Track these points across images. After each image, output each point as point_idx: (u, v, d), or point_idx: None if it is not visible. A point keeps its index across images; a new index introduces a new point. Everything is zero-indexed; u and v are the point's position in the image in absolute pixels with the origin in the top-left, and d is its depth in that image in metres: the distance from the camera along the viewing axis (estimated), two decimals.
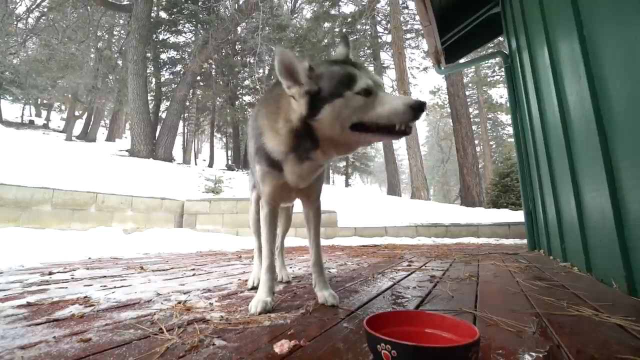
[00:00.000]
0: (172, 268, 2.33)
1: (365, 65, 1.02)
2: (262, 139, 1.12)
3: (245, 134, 21.63)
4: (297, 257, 3.19)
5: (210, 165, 19.05)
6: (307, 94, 0.98)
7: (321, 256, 1.34)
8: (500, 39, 5.86)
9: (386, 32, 20.41)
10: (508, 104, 4.76)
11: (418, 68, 20.77)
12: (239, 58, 19.34)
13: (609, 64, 1.40)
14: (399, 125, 0.93)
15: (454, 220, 6.61)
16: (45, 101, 23.82)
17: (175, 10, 17.61)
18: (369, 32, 20.38)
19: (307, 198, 1.32)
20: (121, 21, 20.63)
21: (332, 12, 20.03)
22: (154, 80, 18.88)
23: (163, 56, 19.46)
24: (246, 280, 1.70)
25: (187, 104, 18.62)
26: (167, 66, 19.61)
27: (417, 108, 0.91)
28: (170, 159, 15.01)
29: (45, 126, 22.04)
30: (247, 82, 19.41)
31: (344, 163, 25.51)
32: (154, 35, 17.57)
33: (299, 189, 1.22)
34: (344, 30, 19.56)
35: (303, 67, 0.98)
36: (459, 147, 14.11)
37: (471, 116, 17.63)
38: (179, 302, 1.24)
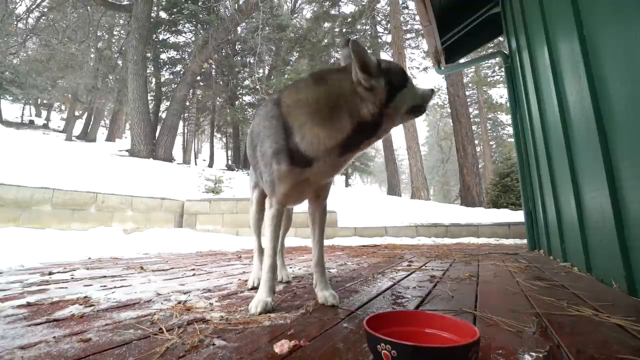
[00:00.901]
0: (172, 268, 2.33)
1: None
2: (292, 138, 1.09)
3: (246, 134, 21.66)
4: (297, 257, 3.19)
5: (210, 165, 19.05)
6: (387, 85, 1.07)
7: (323, 256, 1.34)
8: (500, 39, 5.86)
9: (386, 32, 20.40)
10: (508, 104, 4.77)
11: (418, 68, 20.76)
12: (239, 58, 19.36)
13: (609, 64, 1.40)
14: (425, 104, 1.18)
15: (454, 220, 6.61)
16: (45, 101, 23.82)
17: (175, 10, 17.60)
18: (369, 32, 20.36)
19: (317, 197, 1.31)
20: (121, 21, 20.64)
21: (332, 12, 20.01)
22: (154, 80, 18.87)
23: (163, 56, 19.45)
24: (246, 280, 1.70)
25: (187, 104, 18.62)
26: (167, 66, 19.60)
27: (433, 92, 1.21)
28: (170, 159, 15.01)
29: (45, 126, 22.04)
30: (247, 82, 19.41)
31: None
32: (154, 35, 17.56)
33: (312, 188, 1.22)
34: (344, 30, 19.56)
35: (374, 62, 1.07)
36: (459, 147, 14.11)
37: (471, 116, 17.64)
38: (179, 302, 1.24)
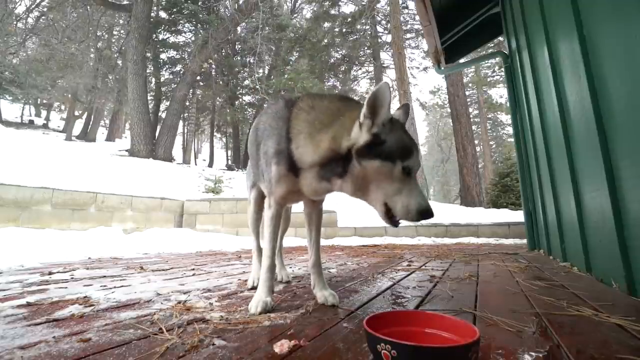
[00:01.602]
0: (171, 268, 2.33)
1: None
2: (292, 143, 1.09)
3: (245, 134, 21.58)
4: (297, 257, 3.18)
5: (210, 165, 19.05)
6: (373, 136, 0.99)
7: (320, 257, 1.34)
8: (500, 39, 5.86)
9: (386, 32, 20.39)
10: (508, 104, 4.77)
11: (418, 68, 20.76)
12: (238, 58, 19.36)
13: (609, 64, 1.40)
14: (398, 217, 0.99)
15: (453, 220, 6.61)
16: (45, 101, 23.79)
17: (175, 10, 17.60)
18: (369, 32, 20.36)
19: (314, 201, 1.32)
20: (121, 21, 20.62)
21: (332, 12, 20.00)
22: (153, 80, 18.87)
23: (163, 56, 19.45)
24: (246, 280, 1.70)
25: (187, 103, 18.62)
26: (166, 66, 19.59)
27: (423, 215, 0.96)
28: (170, 158, 15.01)
29: (45, 126, 22.02)
30: (247, 82, 19.40)
31: None
32: (154, 35, 17.56)
33: (305, 196, 1.23)
34: (344, 30, 19.56)
35: (386, 113, 1.00)
36: (458, 147, 14.11)
37: (471, 116, 17.63)
38: (179, 302, 1.24)
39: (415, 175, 1.02)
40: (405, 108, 1.14)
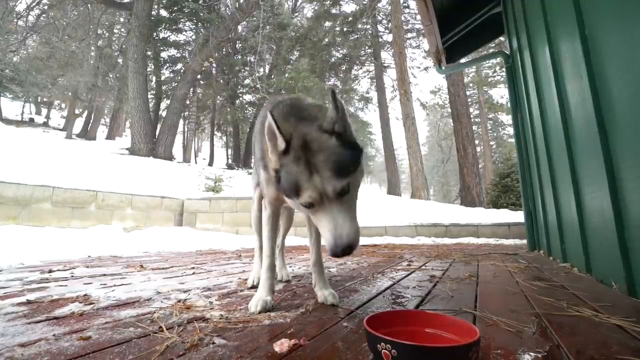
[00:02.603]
0: (171, 267, 2.33)
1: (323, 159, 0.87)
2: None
3: (246, 133, 21.57)
4: (297, 256, 3.19)
5: (211, 164, 19.05)
6: (275, 172, 0.95)
7: (321, 256, 1.34)
8: (502, 38, 5.85)
9: (387, 31, 20.37)
10: (509, 104, 4.76)
11: (419, 67, 20.73)
12: (239, 57, 19.32)
13: (611, 64, 1.39)
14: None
15: (453, 220, 6.61)
16: (45, 99, 23.79)
17: (175, 8, 17.57)
18: (370, 32, 20.33)
19: None
20: (121, 19, 20.61)
21: (333, 11, 19.98)
22: (154, 78, 18.85)
23: (163, 54, 19.42)
24: (246, 279, 1.70)
25: (188, 102, 18.60)
26: (167, 64, 19.56)
27: (341, 252, 0.84)
28: (170, 157, 15.00)
29: (45, 124, 22.02)
30: (247, 81, 19.39)
31: None
32: (155, 34, 17.53)
33: None
34: (345, 29, 19.53)
35: (280, 146, 0.92)
36: (459, 147, 14.10)
37: (472, 116, 17.62)
38: (179, 301, 1.24)
39: (333, 199, 0.88)
40: (333, 103, 0.93)
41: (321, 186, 0.87)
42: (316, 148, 0.89)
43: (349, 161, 0.91)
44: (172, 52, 19.56)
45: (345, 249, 0.84)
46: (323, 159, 0.88)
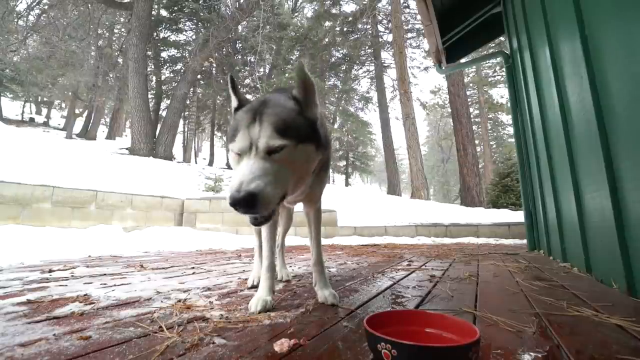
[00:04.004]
0: (172, 266, 2.33)
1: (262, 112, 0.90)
2: None
3: None
4: (297, 256, 3.19)
5: (211, 163, 19.04)
6: (229, 140, 0.97)
7: (322, 255, 1.34)
8: (502, 38, 5.85)
9: (387, 31, 20.37)
10: (509, 104, 4.76)
11: (419, 67, 20.73)
12: (239, 57, 19.31)
13: (611, 64, 1.39)
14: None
15: (453, 220, 6.61)
16: (45, 99, 23.77)
17: (176, 8, 17.57)
18: (370, 32, 20.33)
19: (309, 201, 1.32)
20: (122, 19, 20.57)
21: (333, 11, 19.97)
22: (154, 78, 18.84)
23: (164, 54, 19.42)
24: (246, 279, 1.70)
25: (188, 102, 18.61)
26: (167, 64, 19.57)
27: (231, 201, 0.79)
28: (170, 157, 15.00)
29: (46, 124, 22.01)
30: (247, 81, 19.38)
31: (344, 163, 25.49)
32: (155, 33, 17.54)
33: (293, 196, 1.21)
34: (345, 29, 19.53)
35: (233, 106, 0.99)
36: (459, 147, 14.10)
37: (472, 116, 17.61)
38: (179, 301, 1.24)
39: (254, 153, 0.86)
40: (299, 75, 0.98)
41: (256, 135, 0.87)
42: (271, 104, 0.94)
43: (296, 125, 0.91)
44: (172, 52, 19.56)
45: (237, 199, 0.78)
46: (270, 111, 0.90)
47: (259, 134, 0.87)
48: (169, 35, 19.01)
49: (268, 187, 0.83)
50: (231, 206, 0.80)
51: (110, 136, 22.25)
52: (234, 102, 1.04)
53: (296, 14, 23.01)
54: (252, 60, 16.26)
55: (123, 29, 21.09)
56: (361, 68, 22.53)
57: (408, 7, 17.90)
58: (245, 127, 0.89)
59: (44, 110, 26.21)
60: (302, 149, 0.92)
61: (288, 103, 0.96)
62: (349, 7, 20.98)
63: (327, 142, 1.12)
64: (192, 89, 18.37)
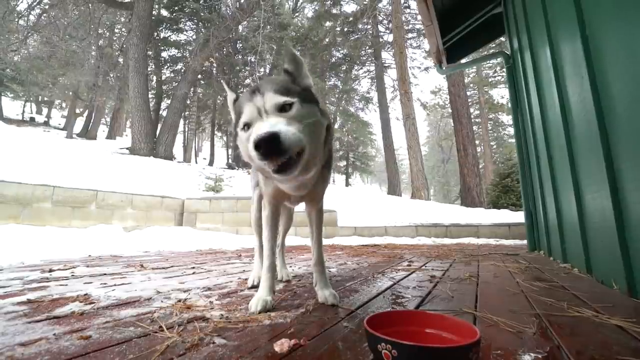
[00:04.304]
0: (172, 266, 2.33)
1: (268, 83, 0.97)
2: None
3: None
4: (298, 256, 3.19)
5: (211, 163, 19.05)
6: (235, 135, 1.02)
7: (323, 255, 1.34)
8: (502, 39, 5.84)
9: (388, 31, 20.37)
10: (509, 104, 4.76)
11: (419, 68, 20.72)
12: (240, 57, 19.32)
13: (612, 65, 1.39)
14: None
15: (454, 220, 6.61)
16: (46, 98, 23.79)
17: (176, 8, 17.58)
18: (371, 32, 20.33)
19: (310, 200, 1.32)
20: (122, 19, 20.58)
21: (334, 11, 19.98)
22: (154, 78, 18.85)
23: (164, 54, 19.44)
24: (246, 279, 1.70)
25: (188, 102, 18.62)
26: (168, 64, 19.58)
27: (257, 140, 0.82)
28: (170, 157, 15.00)
29: (46, 123, 22.03)
30: (248, 81, 19.39)
31: (344, 163, 25.50)
32: (155, 33, 17.54)
33: (296, 195, 1.21)
34: (345, 29, 19.53)
35: (230, 99, 1.04)
36: (459, 147, 14.10)
37: (472, 116, 17.61)
38: (179, 300, 1.24)
39: (268, 117, 0.90)
40: (289, 55, 1.08)
41: (261, 102, 0.91)
42: (266, 80, 1.02)
43: (294, 89, 0.97)
44: (173, 51, 19.57)
45: (261, 137, 0.81)
46: (268, 83, 0.97)
47: (263, 100, 0.92)
48: (170, 35, 19.03)
49: (289, 130, 0.86)
50: (255, 149, 0.83)
51: (111, 136, 22.26)
52: (231, 96, 1.12)
53: (297, 14, 23.02)
54: (253, 60, 16.26)
55: (123, 29, 21.10)
56: (361, 68, 22.54)
57: (408, 7, 17.91)
58: (249, 100, 0.94)
59: (45, 110, 26.23)
60: (308, 108, 0.96)
61: (281, 76, 1.07)
62: (349, 7, 21.02)
63: (330, 134, 1.13)
64: (192, 88, 18.38)
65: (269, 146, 0.82)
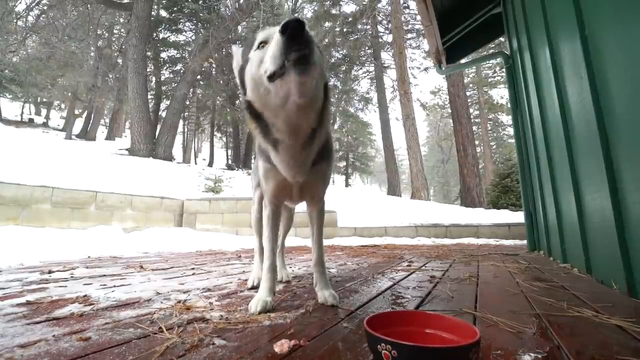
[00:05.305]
0: (171, 267, 2.33)
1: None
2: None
3: (245, 133, 21.53)
4: (297, 256, 3.18)
5: (210, 164, 19.04)
6: (242, 70, 1.01)
7: (323, 256, 1.34)
8: (502, 39, 5.85)
9: (387, 32, 20.38)
10: (509, 105, 4.76)
11: (419, 68, 20.73)
12: None
13: (611, 65, 1.39)
14: (287, 62, 0.85)
15: (454, 220, 6.61)
16: (45, 99, 23.77)
17: (175, 8, 17.57)
18: (370, 32, 20.34)
19: (311, 199, 1.31)
20: (121, 19, 20.59)
21: (333, 11, 19.96)
22: (154, 79, 18.84)
23: (163, 55, 19.41)
24: (246, 280, 1.70)
25: (187, 103, 18.59)
26: (167, 65, 19.56)
27: (283, 28, 0.80)
28: (170, 158, 14.99)
29: (45, 124, 21.99)
30: None
31: (344, 163, 25.50)
32: (154, 34, 17.53)
33: (302, 188, 1.21)
34: (345, 29, 19.53)
35: (236, 50, 1.04)
36: (459, 147, 14.11)
37: (472, 117, 17.63)
38: (179, 301, 1.24)
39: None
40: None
41: (283, 49, 0.85)
42: None
43: (312, 40, 0.91)
44: (172, 52, 19.56)
45: (291, 20, 0.80)
46: (284, 37, 0.88)
47: (284, 49, 0.87)
48: (169, 36, 19.02)
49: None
50: (280, 32, 0.82)
51: (110, 137, 22.24)
52: (237, 48, 1.14)
53: (296, 15, 23.02)
54: None
55: (122, 30, 21.10)
56: (361, 68, 22.54)
57: (408, 7, 17.92)
58: (266, 29, 0.97)
59: (44, 111, 26.21)
60: (318, 53, 0.95)
61: None
62: (348, 8, 20.96)
63: (327, 96, 1.12)
64: (191, 89, 18.36)
65: (295, 31, 0.80)
